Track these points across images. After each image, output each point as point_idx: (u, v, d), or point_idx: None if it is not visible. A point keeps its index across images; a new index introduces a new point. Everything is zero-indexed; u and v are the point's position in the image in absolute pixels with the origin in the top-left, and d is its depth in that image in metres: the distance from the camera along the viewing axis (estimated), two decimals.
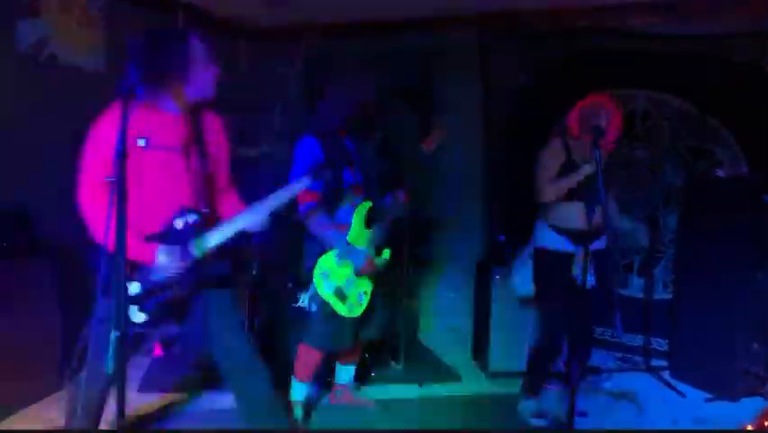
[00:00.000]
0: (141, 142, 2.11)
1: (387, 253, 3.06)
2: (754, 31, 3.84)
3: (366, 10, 4.56)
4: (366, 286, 3.01)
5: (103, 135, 2.07)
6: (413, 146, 3.21)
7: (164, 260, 2.12)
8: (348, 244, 2.93)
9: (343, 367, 3.35)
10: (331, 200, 2.93)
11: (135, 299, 2.12)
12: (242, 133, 5.06)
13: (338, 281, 2.92)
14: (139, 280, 2.12)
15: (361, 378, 3.60)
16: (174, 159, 2.19)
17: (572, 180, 2.93)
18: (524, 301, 3.57)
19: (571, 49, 4.41)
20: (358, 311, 2.97)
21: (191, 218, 2.20)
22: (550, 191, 3.00)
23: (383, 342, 3.87)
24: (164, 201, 2.18)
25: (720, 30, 3.94)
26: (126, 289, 2.04)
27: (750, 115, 3.86)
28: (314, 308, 2.97)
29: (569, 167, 2.99)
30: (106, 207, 1.67)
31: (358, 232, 2.96)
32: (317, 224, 2.90)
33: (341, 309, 2.91)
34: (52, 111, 3.45)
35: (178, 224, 2.19)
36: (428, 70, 4.84)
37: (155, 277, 2.14)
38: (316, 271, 2.91)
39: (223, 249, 2.26)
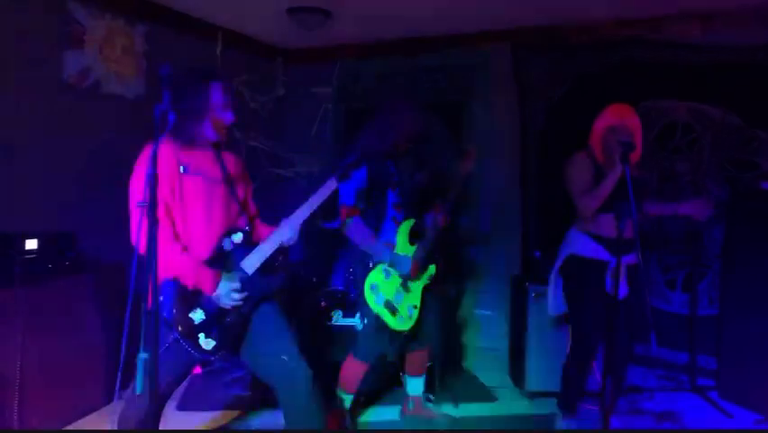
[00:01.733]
0: (182, 170, 2.23)
1: (432, 269, 3.12)
2: None
3: (400, 28, 4.61)
4: (416, 300, 3.05)
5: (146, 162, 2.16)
6: (451, 166, 3.23)
7: (225, 285, 2.20)
8: (393, 253, 3.00)
9: (412, 379, 3.39)
10: (375, 218, 3.03)
11: (201, 327, 2.20)
12: (276, 154, 5.18)
13: (388, 294, 2.98)
14: (202, 307, 2.20)
15: (431, 389, 3.62)
16: (212, 185, 2.31)
17: (608, 185, 2.87)
18: (557, 319, 3.49)
19: (609, 61, 4.35)
20: (408, 324, 3.02)
21: (237, 238, 2.30)
22: (589, 201, 2.95)
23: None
24: (210, 225, 2.28)
25: (760, 39, 3.83)
26: (178, 314, 2.15)
27: None
28: (365, 321, 3.03)
29: (599, 177, 2.96)
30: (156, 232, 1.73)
31: (403, 248, 3.04)
32: (363, 237, 2.99)
33: (391, 322, 2.96)
34: (94, 137, 3.62)
35: (227, 244, 2.28)
36: (465, 86, 4.85)
37: (217, 302, 2.22)
38: (366, 285, 2.97)
39: (269, 265, 2.33)
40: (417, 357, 3.33)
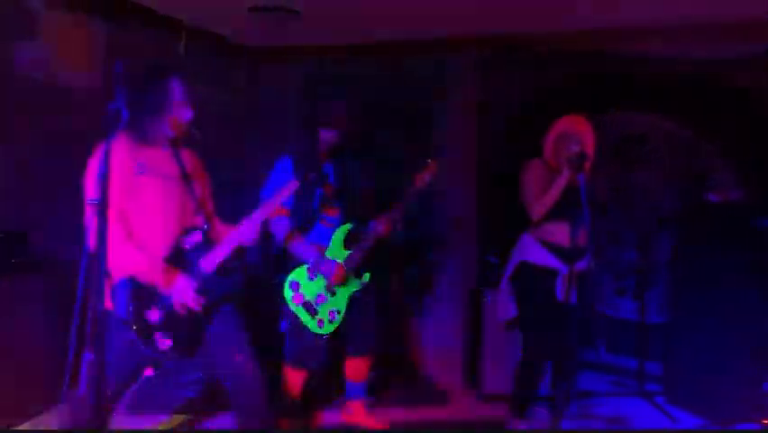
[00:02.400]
0: (138, 167, 2.19)
1: (367, 277, 3.10)
2: (752, 56, 3.88)
3: (365, 32, 4.62)
4: (340, 305, 3.02)
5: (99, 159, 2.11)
6: (405, 176, 3.23)
7: (182, 284, 2.17)
8: (319, 256, 2.97)
9: (351, 384, 3.35)
10: (302, 218, 2.99)
11: (158, 326, 2.16)
12: (238, 154, 5.12)
13: (308, 295, 2.95)
14: (158, 307, 2.16)
15: (376, 395, 3.60)
16: (170, 184, 2.28)
17: (554, 193, 2.95)
18: (508, 324, 3.55)
19: (568, 72, 4.44)
20: (329, 329, 2.98)
21: (195, 238, 2.29)
22: (537, 207, 3.02)
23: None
24: (167, 224, 2.25)
25: (717, 55, 3.97)
26: (134, 313, 2.11)
27: (745, 140, 3.87)
28: (285, 323, 3.01)
29: (550, 183, 3.03)
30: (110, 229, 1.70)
31: (336, 251, 3.03)
32: (288, 237, 2.96)
33: (310, 325, 2.93)
34: (47, 132, 3.50)
35: (186, 244, 2.26)
36: (425, 92, 4.88)
37: (174, 301, 2.19)
38: (286, 283, 2.94)
39: (227, 266, 2.32)
40: (355, 363, 3.28)
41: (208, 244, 2.29)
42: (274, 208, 2.43)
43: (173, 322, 2.19)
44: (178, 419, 3.35)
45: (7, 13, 3.30)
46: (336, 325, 3.01)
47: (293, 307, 2.94)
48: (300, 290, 2.95)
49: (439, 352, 4.45)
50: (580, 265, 3.03)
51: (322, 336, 2.99)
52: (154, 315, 2.15)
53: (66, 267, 3.38)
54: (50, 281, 3.27)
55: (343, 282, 3.03)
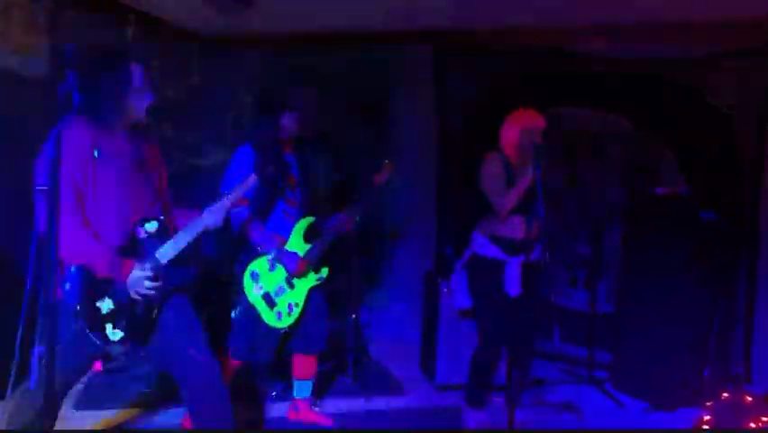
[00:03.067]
0: (96, 154, 2.11)
1: (325, 271, 3.07)
2: (696, 56, 4.03)
3: (323, 20, 4.57)
4: (298, 298, 2.99)
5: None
6: (363, 173, 3.23)
7: (137, 274, 2.11)
8: (281, 247, 2.93)
9: (298, 382, 3.28)
10: (261, 208, 2.93)
11: (109, 317, 2.09)
12: (194, 143, 5.01)
13: (268, 286, 2.91)
14: (110, 297, 2.10)
15: (319, 392, 3.56)
16: (127, 171, 2.20)
17: (522, 188, 2.97)
18: (462, 313, 3.60)
19: (523, 67, 4.51)
20: (286, 322, 2.94)
21: (152, 227, 2.21)
22: (504, 201, 3.02)
23: (332, 355, 3.88)
24: (124, 212, 2.17)
25: (664, 53, 4.11)
26: (85, 302, 2.04)
27: (691, 135, 4.03)
28: (238, 312, 2.94)
29: (510, 176, 3.06)
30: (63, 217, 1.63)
31: (296, 245, 2.99)
32: (249, 227, 2.89)
33: (267, 317, 2.89)
34: None
35: (141, 233, 2.19)
36: (384, 84, 4.89)
37: (127, 291, 2.12)
38: (246, 273, 2.88)
39: (183, 256, 2.25)
40: (302, 361, 3.21)
41: (164, 233, 2.23)
42: (236, 200, 2.38)
43: (125, 312, 2.13)
44: (129, 413, 3.26)
45: None
46: (294, 318, 2.96)
47: (252, 297, 2.88)
48: (260, 281, 2.91)
49: (396, 342, 4.49)
50: (533, 257, 3.09)
51: (278, 328, 2.94)
52: (105, 305, 2.08)
53: (9, 258, 3.28)
54: None
55: (304, 275, 3.00)
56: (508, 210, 3.03)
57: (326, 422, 3.27)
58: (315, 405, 3.41)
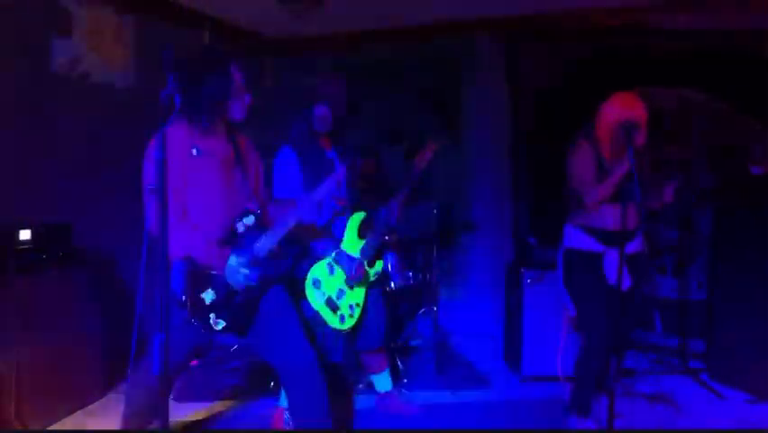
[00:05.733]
0: (195, 152, 2.22)
1: (380, 265, 3.03)
2: None
3: (391, 16, 4.59)
4: (358, 298, 2.95)
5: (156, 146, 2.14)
6: (407, 158, 3.17)
7: (234, 265, 2.19)
8: (340, 250, 2.93)
9: (377, 376, 3.31)
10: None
11: (212, 307, 2.19)
12: (269, 145, 5.15)
13: (330, 291, 2.88)
14: (212, 287, 2.19)
15: (400, 384, 3.59)
16: (225, 168, 2.30)
17: (614, 181, 2.80)
18: (552, 305, 3.50)
19: (598, 49, 4.39)
20: (350, 323, 2.91)
21: (249, 220, 2.30)
22: (596, 194, 2.86)
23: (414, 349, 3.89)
24: (223, 206, 2.28)
25: (743, 25, 3.90)
26: (189, 293, 2.14)
27: None
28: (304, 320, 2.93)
29: (601, 167, 2.90)
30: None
31: (351, 242, 2.95)
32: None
33: (331, 321, 2.86)
34: (85, 127, 3.56)
35: (240, 227, 2.28)
36: (453, 75, 4.87)
37: (227, 283, 2.21)
38: (308, 280, 2.86)
39: (279, 249, 2.33)
40: (368, 358, 3.22)
41: (261, 227, 2.31)
42: (328, 191, 2.42)
43: (226, 303, 2.21)
44: (223, 404, 3.38)
45: (40, 10, 3.35)
46: (356, 319, 2.93)
47: (316, 305, 2.85)
48: (322, 287, 2.88)
49: (478, 335, 4.45)
50: (631, 248, 2.92)
51: (342, 331, 2.90)
52: (208, 296, 2.18)
53: (109, 260, 3.48)
54: (93, 273, 3.34)
55: (364, 279, 2.96)
56: (599, 202, 2.88)
57: (413, 411, 3.27)
58: (401, 395, 3.43)
